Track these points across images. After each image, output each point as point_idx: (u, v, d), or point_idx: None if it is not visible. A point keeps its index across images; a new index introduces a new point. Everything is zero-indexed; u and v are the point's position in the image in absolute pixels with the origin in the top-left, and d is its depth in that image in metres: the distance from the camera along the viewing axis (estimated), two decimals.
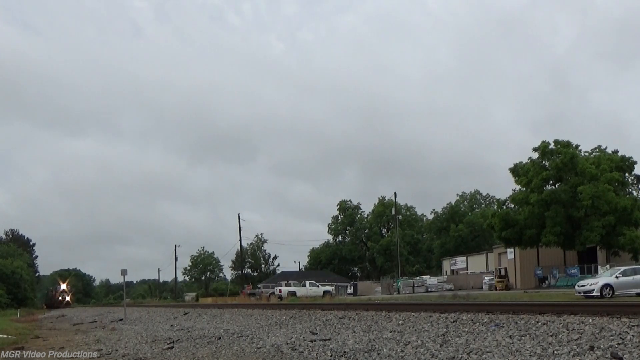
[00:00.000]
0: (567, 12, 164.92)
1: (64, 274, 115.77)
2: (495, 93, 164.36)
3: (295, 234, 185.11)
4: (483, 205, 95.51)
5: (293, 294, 48.11)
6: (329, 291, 49.93)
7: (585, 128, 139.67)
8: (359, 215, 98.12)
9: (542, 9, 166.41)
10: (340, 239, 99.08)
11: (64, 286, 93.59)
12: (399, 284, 57.75)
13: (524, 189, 48.92)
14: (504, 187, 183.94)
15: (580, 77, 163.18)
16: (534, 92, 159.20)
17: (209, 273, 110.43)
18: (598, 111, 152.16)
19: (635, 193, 58.42)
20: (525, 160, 50.17)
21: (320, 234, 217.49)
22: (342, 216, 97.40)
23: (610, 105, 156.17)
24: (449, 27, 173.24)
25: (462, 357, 9.30)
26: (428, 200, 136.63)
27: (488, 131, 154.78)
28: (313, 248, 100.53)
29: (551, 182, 48.88)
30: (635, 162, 49.95)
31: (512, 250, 53.48)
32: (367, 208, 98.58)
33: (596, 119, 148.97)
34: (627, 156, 50.15)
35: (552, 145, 48.39)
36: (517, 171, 49.76)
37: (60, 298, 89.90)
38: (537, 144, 49.05)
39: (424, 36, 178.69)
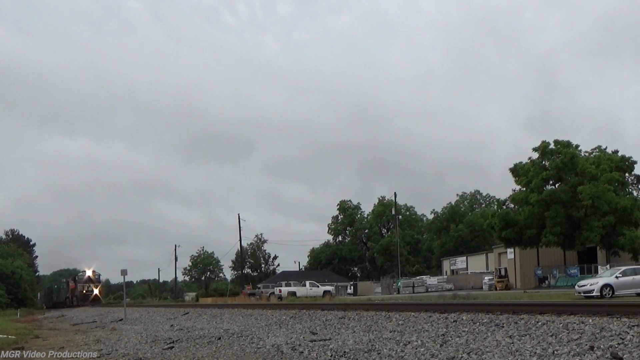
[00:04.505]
0: (556, 10, 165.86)
1: (63, 274, 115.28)
2: (488, 92, 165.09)
3: (291, 234, 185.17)
4: (483, 205, 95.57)
5: (293, 294, 48.10)
6: (329, 291, 49.93)
7: (578, 126, 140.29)
8: (358, 215, 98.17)
9: (531, 7, 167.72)
10: (340, 239, 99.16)
11: (89, 272, 68.48)
12: (399, 284, 57.75)
13: (524, 189, 48.96)
14: (500, 186, 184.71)
15: (571, 75, 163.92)
16: (526, 90, 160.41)
17: (209, 273, 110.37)
18: (590, 109, 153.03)
19: (635, 193, 58.53)
20: (522, 159, 50.61)
21: (316, 234, 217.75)
22: (342, 216, 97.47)
23: (602, 103, 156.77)
24: (442, 27, 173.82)
25: (462, 357, 9.30)
26: (424, 200, 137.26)
27: (481, 130, 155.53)
28: (313, 248, 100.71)
29: (551, 182, 48.93)
30: (635, 162, 50.08)
31: (512, 250, 53.52)
32: (362, 207, 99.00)
33: (588, 117, 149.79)
34: (627, 156, 50.28)
35: (552, 145, 48.46)
36: (517, 171, 49.81)
37: (84, 291, 66.45)
38: (531, 142, 49.73)
39: (417, 36, 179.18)
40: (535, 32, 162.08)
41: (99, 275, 70.42)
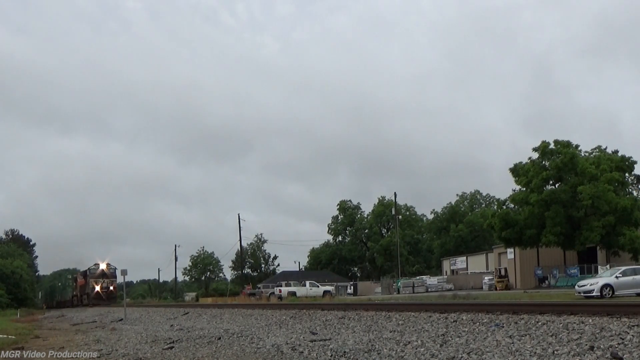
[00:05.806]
0: (553, 10, 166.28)
1: (63, 274, 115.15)
2: (486, 91, 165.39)
3: (290, 234, 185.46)
4: (483, 205, 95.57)
5: (293, 294, 48.09)
6: (329, 291, 49.91)
7: (576, 125, 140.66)
8: (358, 216, 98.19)
9: (529, 7, 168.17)
10: (340, 239, 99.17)
11: (103, 266, 59.50)
12: (399, 284, 57.74)
13: (524, 189, 48.96)
14: (500, 186, 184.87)
15: (568, 75, 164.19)
16: (524, 90, 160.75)
17: (209, 273, 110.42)
18: (588, 108, 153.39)
19: (635, 193, 58.49)
20: (520, 159, 50.87)
21: (316, 234, 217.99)
22: (342, 216, 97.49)
23: (600, 103, 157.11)
24: (440, 27, 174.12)
25: (462, 357, 9.30)
26: (424, 200, 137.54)
27: (479, 130, 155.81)
28: (313, 248, 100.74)
29: (551, 182, 48.93)
30: (635, 162, 50.06)
31: (512, 250, 53.49)
32: (362, 207, 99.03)
33: (586, 116, 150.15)
34: (627, 156, 50.28)
35: (552, 145, 48.45)
36: (517, 171, 49.81)
37: (98, 288, 58.17)
38: (529, 142, 49.86)
39: (415, 36, 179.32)
40: (532, 32, 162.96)
41: (114, 269, 59.74)
